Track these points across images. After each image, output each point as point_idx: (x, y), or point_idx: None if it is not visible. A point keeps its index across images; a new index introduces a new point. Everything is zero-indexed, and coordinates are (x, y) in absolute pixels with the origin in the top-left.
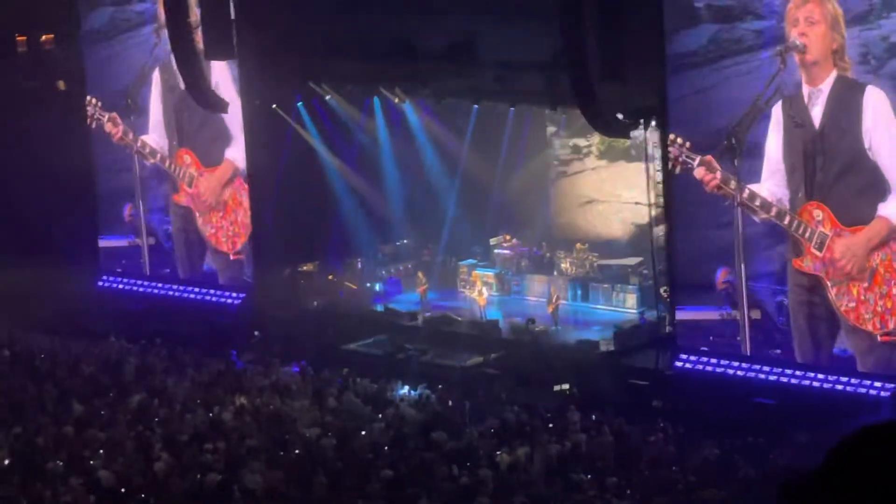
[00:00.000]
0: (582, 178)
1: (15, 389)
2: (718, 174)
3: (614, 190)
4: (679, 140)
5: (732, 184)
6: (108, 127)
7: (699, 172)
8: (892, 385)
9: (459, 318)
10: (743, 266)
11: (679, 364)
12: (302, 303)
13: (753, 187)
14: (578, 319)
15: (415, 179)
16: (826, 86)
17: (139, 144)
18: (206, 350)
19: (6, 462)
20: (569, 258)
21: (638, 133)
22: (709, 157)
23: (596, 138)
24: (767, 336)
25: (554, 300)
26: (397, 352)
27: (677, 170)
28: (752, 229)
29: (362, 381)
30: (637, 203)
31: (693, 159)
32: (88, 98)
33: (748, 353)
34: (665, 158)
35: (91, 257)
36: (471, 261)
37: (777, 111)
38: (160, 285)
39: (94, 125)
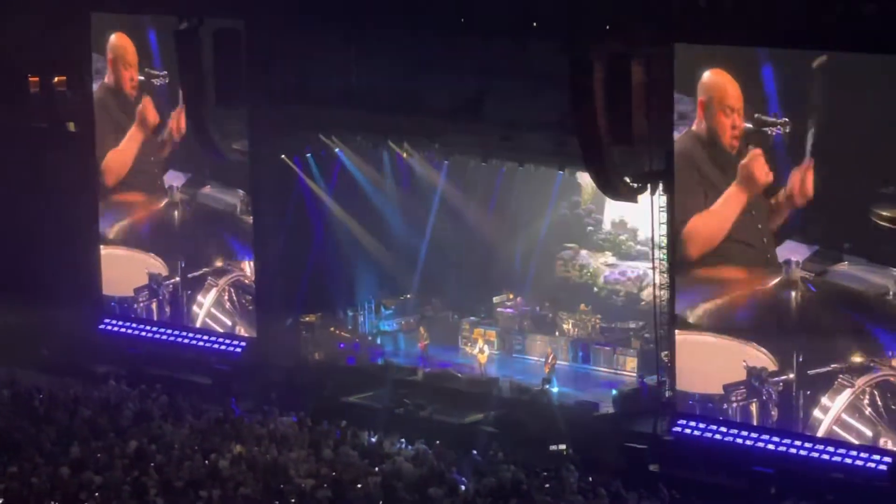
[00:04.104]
0: (585, 236)
1: (12, 429)
2: None
3: (623, 244)
4: None
5: None
6: None
7: None
8: (890, 458)
9: (460, 375)
10: None
11: (678, 429)
12: (303, 353)
13: None
14: (578, 381)
15: (420, 234)
16: None
17: None
18: (205, 397)
19: (0, 501)
20: (571, 319)
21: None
22: None
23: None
24: (763, 405)
25: (549, 360)
26: (396, 406)
27: None
28: None
29: (360, 433)
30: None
31: None
32: None
33: (748, 421)
34: (671, 222)
35: (94, 300)
36: (473, 318)
37: None
38: (162, 330)
39: None
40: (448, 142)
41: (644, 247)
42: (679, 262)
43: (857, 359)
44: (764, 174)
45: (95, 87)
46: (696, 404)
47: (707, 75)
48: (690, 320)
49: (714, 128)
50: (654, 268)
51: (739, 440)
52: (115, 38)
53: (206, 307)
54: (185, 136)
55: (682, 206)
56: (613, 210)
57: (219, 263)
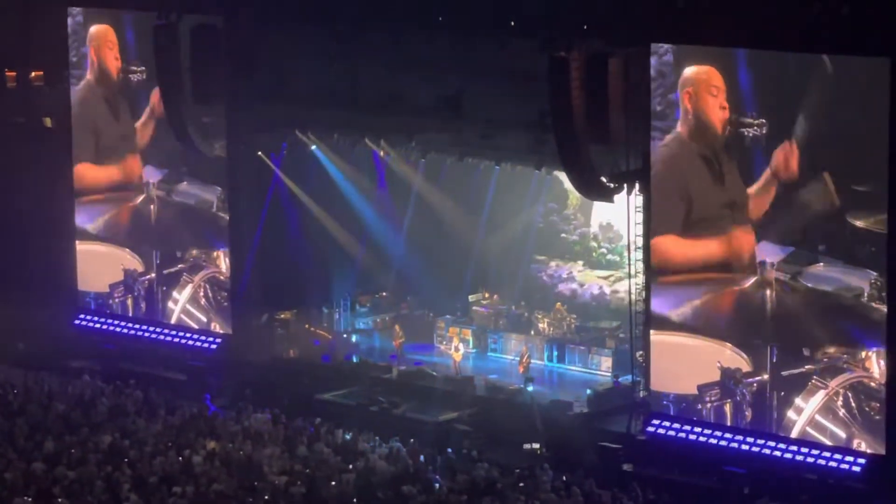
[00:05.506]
0: (563, 239)
1: None
2: None
3: (594, 251)
4: None
5: None
6: None
7: None
8: (863, 459)
9: (434, 373)
10: None
11: (651, 429)
12: (278, 350)
13: None
14: (553, 380)
15: (396, 232)
16: None
17: None
18: (179, 393)
19: None
20: (547, 318)
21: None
22: None
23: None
24: (737, 405)
25: (523, 359)
26: (371, 404)
27: None
28: None
29: (335, 431)
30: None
31: None
32: None
33: (722, 422)
34: (647, 223)
35: (69, 295)
36: (448, 316)
37: None
38: (136, 326)
39: None
40: (425, 140)
41: (614, 256)
42: (655, 264)
43: (830, 360)
44: None
45: (78, 87)
46: (671, 404)
47: (689, 70)
48: (665, 321)
49: (702, 112)
50: (629, 268)
51: (713, 440)
52: (95, 28)
53: (182, 303)
54: (163, 132)
55: (662, 212)
56: (601, 214)
57: (194, 254)
